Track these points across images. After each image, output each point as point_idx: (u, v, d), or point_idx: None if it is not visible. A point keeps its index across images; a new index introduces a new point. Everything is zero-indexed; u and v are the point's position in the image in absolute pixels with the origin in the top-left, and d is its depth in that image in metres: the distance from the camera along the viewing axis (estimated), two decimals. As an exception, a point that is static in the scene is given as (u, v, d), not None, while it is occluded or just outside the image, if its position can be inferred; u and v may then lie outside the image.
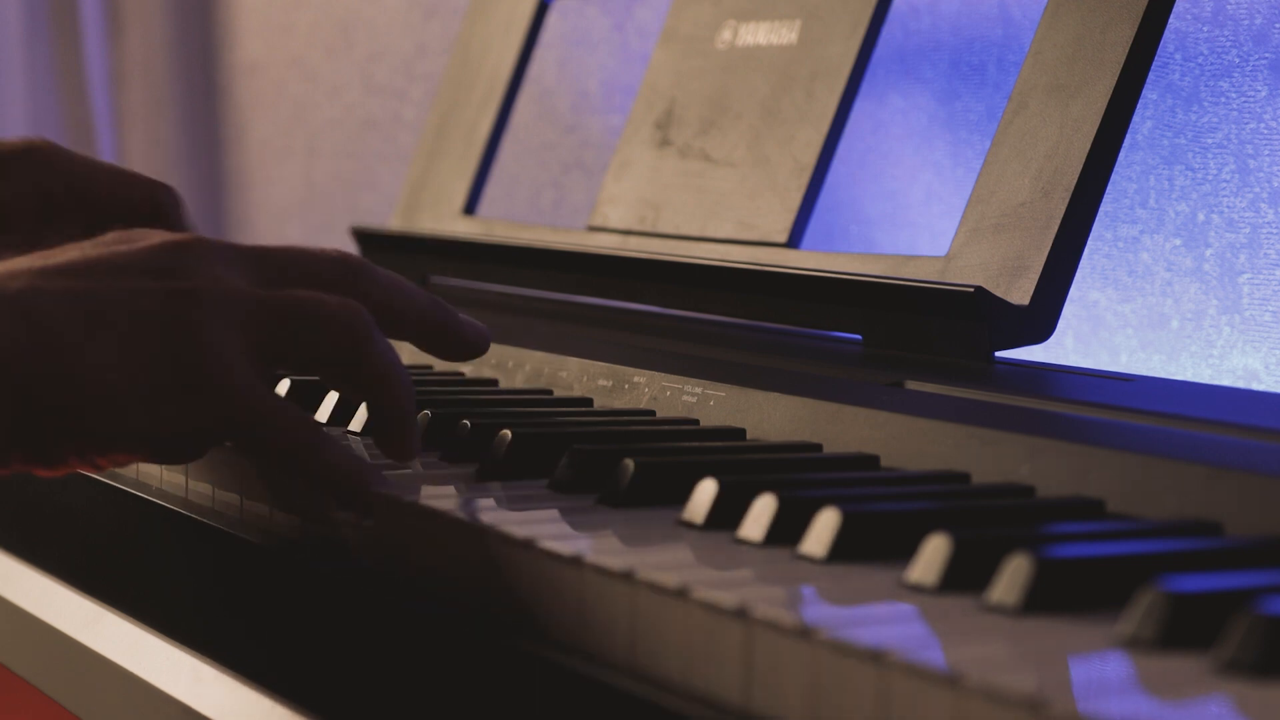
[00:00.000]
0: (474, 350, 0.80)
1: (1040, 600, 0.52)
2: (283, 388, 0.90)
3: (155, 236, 0.73)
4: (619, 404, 0.88)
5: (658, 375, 0.87)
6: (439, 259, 1.30)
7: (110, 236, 0.74)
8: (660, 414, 0.85)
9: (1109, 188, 0.89)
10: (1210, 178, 1.07)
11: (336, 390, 0.83)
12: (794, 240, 1.03)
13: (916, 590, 0.55)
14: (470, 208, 1.33)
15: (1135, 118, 0.90)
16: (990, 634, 0.50)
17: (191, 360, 0.69)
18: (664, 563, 0.58)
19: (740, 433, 0.80)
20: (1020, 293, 0.88)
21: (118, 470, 0.87)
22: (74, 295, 0.69)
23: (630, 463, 0.68)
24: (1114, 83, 0.88)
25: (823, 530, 0.59)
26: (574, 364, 0.92)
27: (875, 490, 0.67)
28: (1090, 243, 0.89)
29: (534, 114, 1.66)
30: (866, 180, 1.31)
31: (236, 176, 2.24)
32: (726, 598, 0.53)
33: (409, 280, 0.78)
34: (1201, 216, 1.07)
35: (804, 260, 1.01)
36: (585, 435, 0.77)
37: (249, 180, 2.22)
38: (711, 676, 0.53)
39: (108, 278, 0.71)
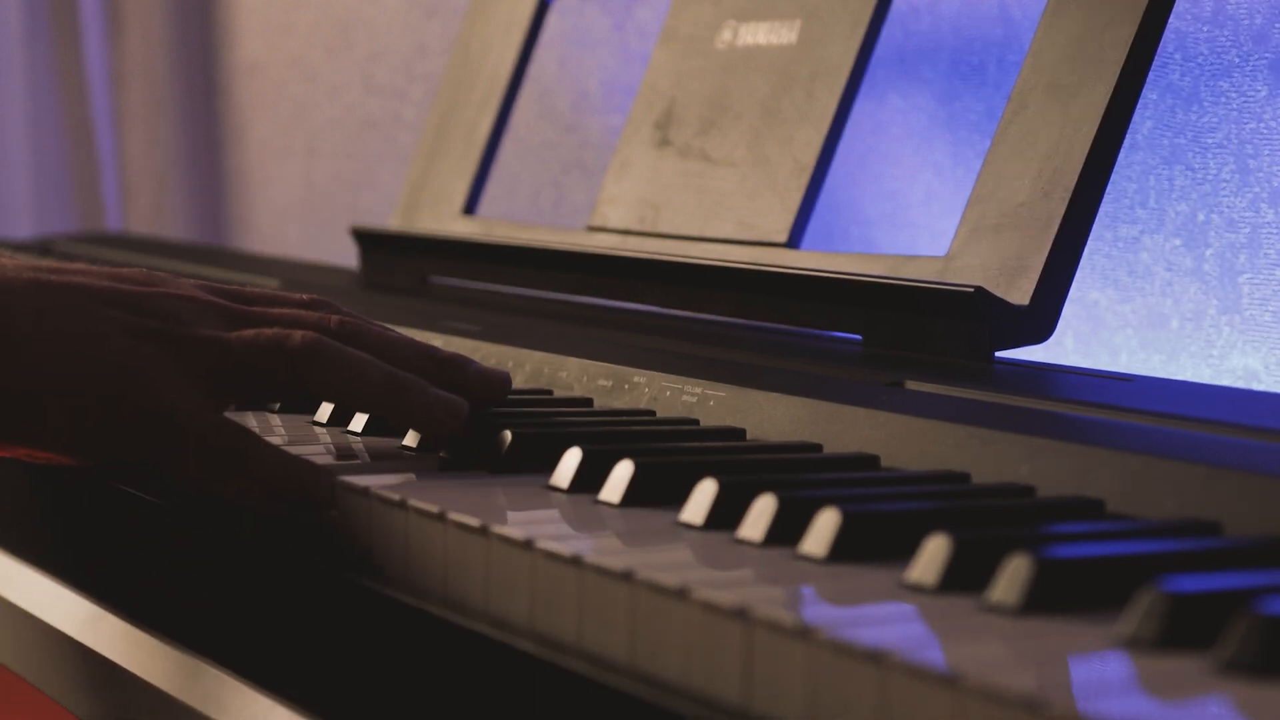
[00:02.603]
0: (482, 394, 0.80)
1: (1040, 600, 0.52)
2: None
3: (171, 284, 0.77)
4: (619, 404, 0.88)
5: (658, 375, 0.87)
6: (439, 259, 1.30)
7: (129, 272, 0.78)
8: (660, 414, 0.85)
9: (1109, 188, 0.89)
10: (1210, 178, 1.07)
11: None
12: (794, 240, 1.03)
13: (916, 590, 0.55)
14: (470, 208, 1.33)
15: (1135, 118, 0.90)
16: (990, 634, 0.50)
17: (121, 389, 0.72)
18: (664, 563, 0.58)
19: (740, 433, 0.80)
20: (1020, 293, 0.88)
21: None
22: (40, 288, 0.73)
23: (629, 463, 0.68)
24: (1114, 83, 0.88)
25: (823, 530, 0.59)
26: (574, 364, 0.92)
27: (875, 490, 0.67)
28: (1090, 243, 0.89)
29: (534, 114, 1.66)
30: (866, 180, 1.31)
31: (236, 176, 2.24)
32: (726, 598, 0.53)
33: (404, 337, 0.79)
34: (1201, 216, 1.07)
35: (804, 260, 1.01)
36: (585, 435, 0.77)
37: (249, 180, 2.22)
38: (711, 676, 0.53)
39: (79, 295, 0.74)
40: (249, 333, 0.75)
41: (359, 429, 0.83)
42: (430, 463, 0.76)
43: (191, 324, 0.75)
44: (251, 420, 0.87)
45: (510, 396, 0.91)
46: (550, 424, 0.80)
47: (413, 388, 0.76)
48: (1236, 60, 1.06)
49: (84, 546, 0.91)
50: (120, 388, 0.72)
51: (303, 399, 0.77)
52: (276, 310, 0.79)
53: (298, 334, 0.75)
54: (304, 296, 0.81)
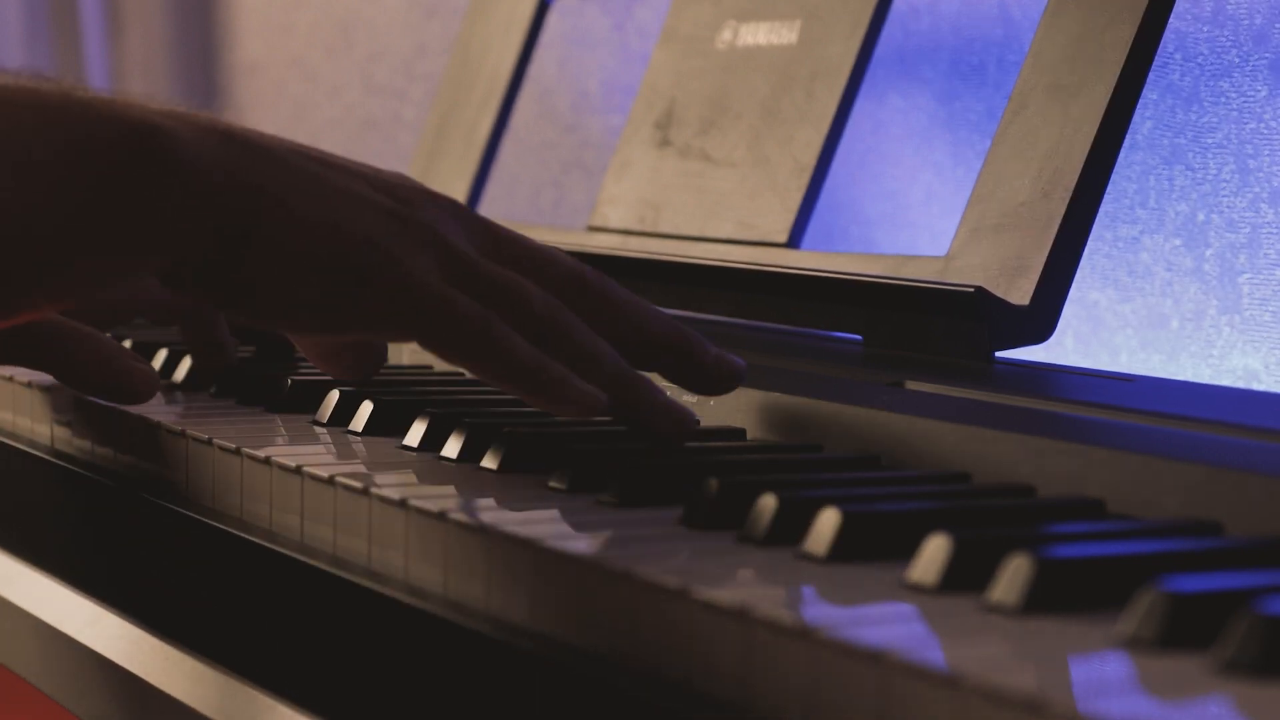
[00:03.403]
0: (719, 384, 0.78)
1: (1040, 600, 0.52)
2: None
3: (430, 190, 0.77)
4: (619, 404, 0.88)
5: (658, 375, 0.87)
6: (439, 259, 1.29)
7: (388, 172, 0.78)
8: (660, 414, 0.85)
9: (1109, 188, 0.89)
10: (1210, 178, 1.07)
11: None
12: (794, 240, 1.03)
13: (916, 590, 0.55)
14: (471, 207, 1.33)
15: (1135, 118, 0.90)
16: (990, 634, 0.50)
17: (372, 269, 0.72)
18: (664, 562, 0.58)
19: (740, 433, 0.80)
20: (1020, 293, 0.88)
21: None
22: (303, 160, 0.74)
23: (630, 463, 0.68)
24: (1114, 83, 0.88)
25: (823, 530, 0.59)
26: (574, 364, 0.92)
27: (875, 490, 0.67)
28: (1090, 243, 0.89)
29: (534, 114, 1.66)
30: (866, 180, 1.31)
31: (236, 176, 2.24)
32: (726, 597, 0.53)
33: (648, 305, 0.78)
34: (1201, 216, 1.07)
35: (804, 260, 1.01)
36: (585, 436, 0.77)
37: (249, 180, 2.21)
38: (711, 676, 0.53)
39: (342, 174, 0.75)
40: (507, 274, 0.75)
41: (359, 428, 0.83)
42: (429, 463, 0.76)
43: (450, 231, 0.75)
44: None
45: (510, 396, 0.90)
46: (549, 424, 0.79)
47: (640, 389, 0.75)
48: (1236, 60, 1.06)
49: (92, 549, 0.91)
50: (380, 265, 0.72)
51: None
52: (530, 245, 0.77)
53: (551, 300, 0.74)
54: (575, 265, 0.79)
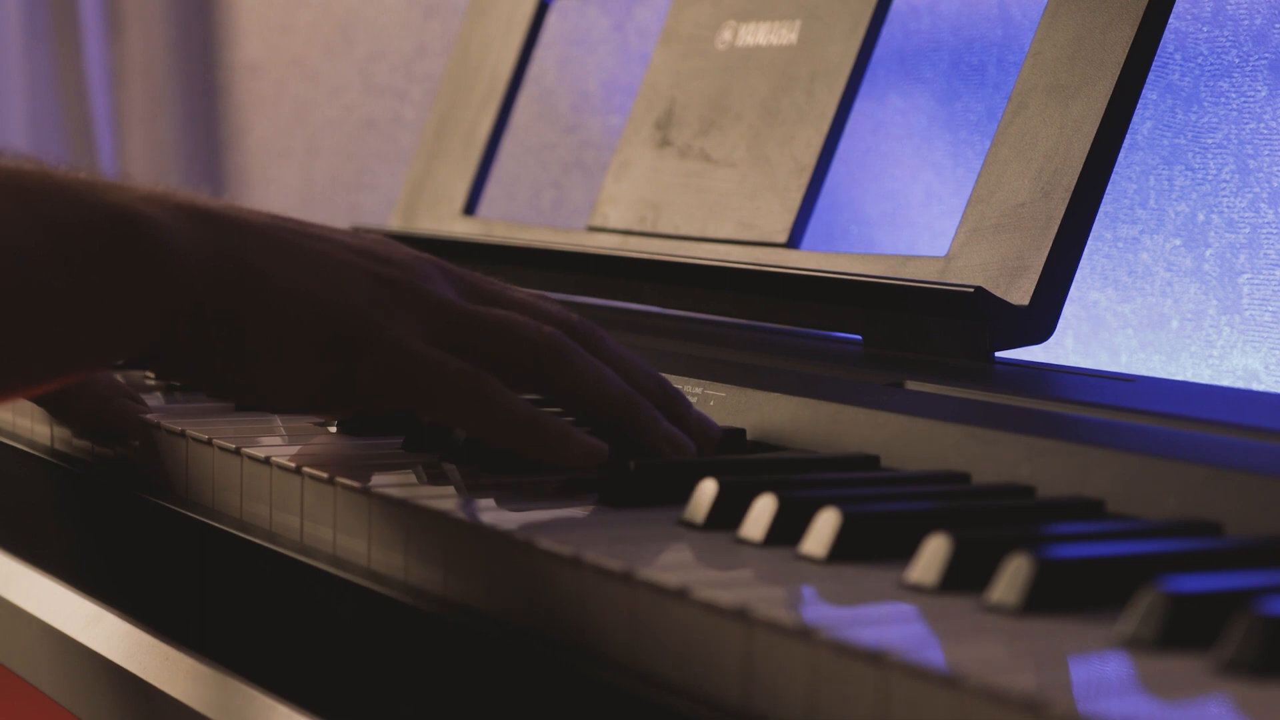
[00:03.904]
0: (697, 446, 0.77)
1: (1040, 600, 0.52)
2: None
3: (388, 242, 0.77)
4: (619, 404, 0.87)
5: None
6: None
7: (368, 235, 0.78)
8: (660, 414, 0.85)
9: (1109, 188, 0.89)
10: (1210, 178, 1.07)
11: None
12: (794, 240, 1.03)
13: (916, 590, 0.55)
14: (470, 208, 1.33)
15: (1135, 118, 0.90)
16: (990, 634, 0.50)
17: (363, 342, 0.71)
18: (664, 563, 0.58)
19: (741, 433, 0.80)
20: (1020, 293, 0.88)
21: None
22: (282, 232, 0.73)
23: (631, 463, 0.68)
24: (1114, 83, 0.88)
25: (823, 530, 0.59)
26: (574, 364, 0.91)
27: (875, 490, 0.67)
28: (1090, 243, 0.89)
29: (534, 114, 1.66)
30: (866, 180, 1.31)
31: (236, 176, 2.24)
32: (726, 598, 0.53)
33: (636, 355, 0.77)
34: (1201, 216, 1.07)
35: (804, 260, 1.01)
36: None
37: (249, 180, 2.22)
38: (711, 676, 0.53)
39: (321, 241, 0.74)
40: (497, 311, 0.74)
41: (359, 429, 0.83)
42: (429, 464, 0.76)
43: (434, 285, 0.74)
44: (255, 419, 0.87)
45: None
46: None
47: (646, 411, 0.74)
48: (1236, 60, 1.06)
49: (92, 549, 0.91)
50: (370, 336, 0.71)
51: (526, 391, 0.75)
52: (515, 292, 0.77)
53: (546, 328, 0.74)
54: (562, 314, 0.78)
